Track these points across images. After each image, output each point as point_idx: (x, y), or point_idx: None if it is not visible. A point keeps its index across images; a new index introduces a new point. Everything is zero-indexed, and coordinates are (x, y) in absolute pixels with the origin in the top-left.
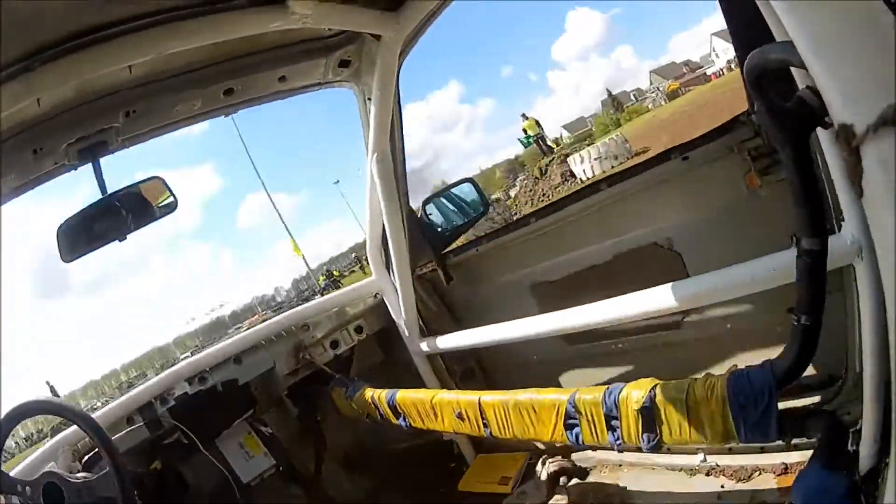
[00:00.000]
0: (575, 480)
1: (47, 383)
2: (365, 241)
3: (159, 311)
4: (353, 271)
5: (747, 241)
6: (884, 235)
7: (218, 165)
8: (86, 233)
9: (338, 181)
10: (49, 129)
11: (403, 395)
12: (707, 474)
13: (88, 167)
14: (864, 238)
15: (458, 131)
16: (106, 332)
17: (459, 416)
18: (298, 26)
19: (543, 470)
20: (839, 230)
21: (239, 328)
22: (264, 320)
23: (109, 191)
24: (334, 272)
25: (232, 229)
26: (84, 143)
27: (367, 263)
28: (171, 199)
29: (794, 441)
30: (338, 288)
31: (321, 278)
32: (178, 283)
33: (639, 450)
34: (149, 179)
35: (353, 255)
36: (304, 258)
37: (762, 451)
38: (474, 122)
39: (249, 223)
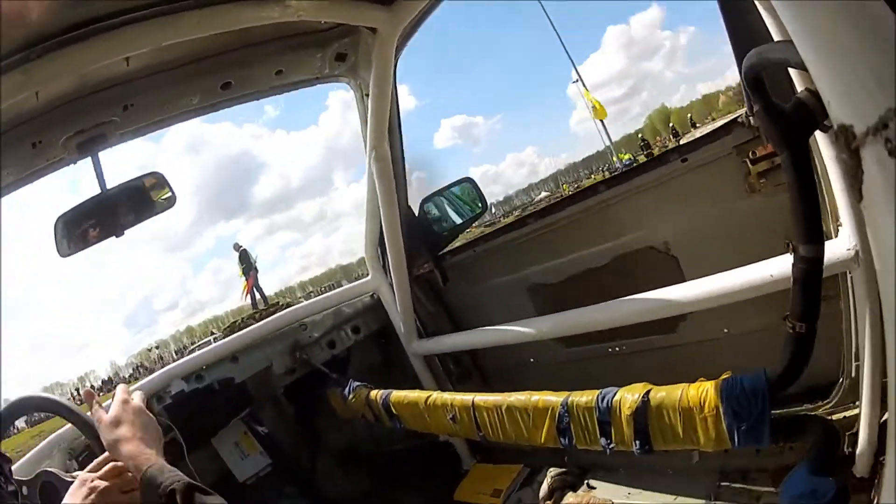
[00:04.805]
0: (569, 492)
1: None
2: None
3: None
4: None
5: (745, 246)
6: (882, 240)
7: None
8: (83, 227)
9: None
10: (48, 123)
11: (397, 397)
12: (702, 474)
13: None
14: (862, 244)
15: (658, 60)
16: None
17: (453, 419)
18: (294, 19)
19: (543, 484)
20: (836, 235)
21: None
22: None
23: (109, 186)
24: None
25: None
26: (83, 137)
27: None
28: (170, 194)
29: (790, 444)
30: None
31: (623, 155)
32: None
33: (632, 453)
34: (148, 175)
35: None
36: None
37: (758, 453)
38: (675, 51)
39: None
